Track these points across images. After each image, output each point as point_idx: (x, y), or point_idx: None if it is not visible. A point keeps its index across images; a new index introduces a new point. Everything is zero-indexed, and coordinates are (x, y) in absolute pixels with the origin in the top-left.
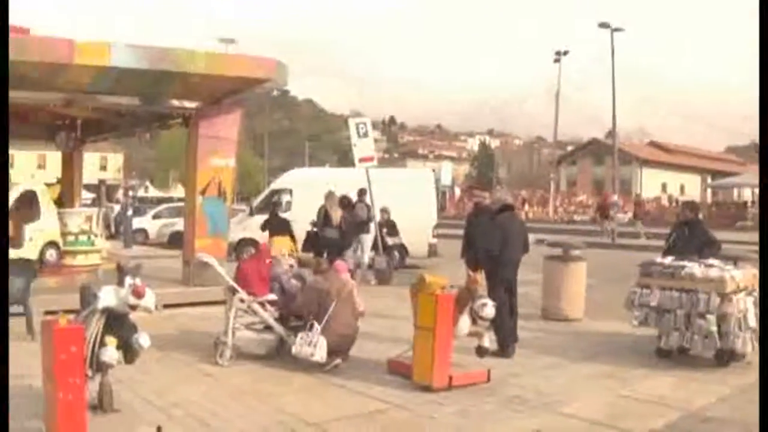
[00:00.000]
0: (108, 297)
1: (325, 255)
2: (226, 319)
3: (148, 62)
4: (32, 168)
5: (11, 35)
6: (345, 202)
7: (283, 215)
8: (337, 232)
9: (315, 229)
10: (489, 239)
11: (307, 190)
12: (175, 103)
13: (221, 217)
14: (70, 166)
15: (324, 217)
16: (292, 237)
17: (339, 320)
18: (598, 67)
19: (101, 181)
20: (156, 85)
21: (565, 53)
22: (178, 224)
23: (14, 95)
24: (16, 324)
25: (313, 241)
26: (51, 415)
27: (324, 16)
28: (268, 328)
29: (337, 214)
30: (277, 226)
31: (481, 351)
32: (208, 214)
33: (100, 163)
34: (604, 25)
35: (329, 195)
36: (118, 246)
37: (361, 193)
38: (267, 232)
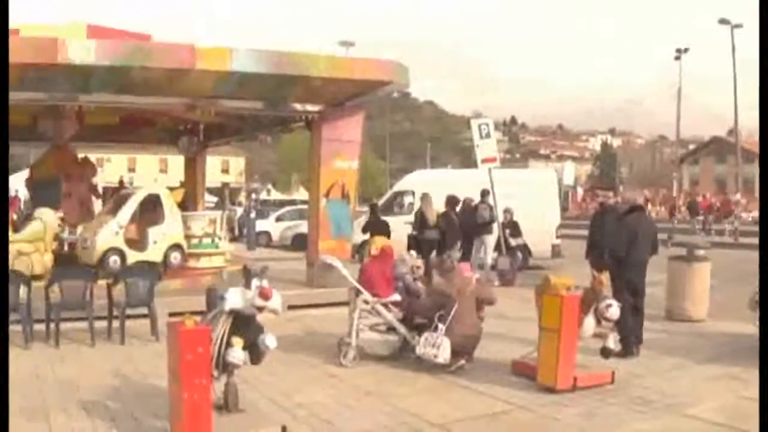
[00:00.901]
0: (235, 299)
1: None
2: (350, 320)
3: (270, 66)
4: (154, 172)
5: (133, 41)
6: (453, 202)
7: (405, 217)
8: (436, 232)
9: (414, 232)
10: (615, 240)
11: (429, 192)
12: (298, 106)
13: (345, 219)
14: (193, 169)
15: (420, 218)
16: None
17: (463, 321)
18: (718, 64)
19: (224, 184)
20: (278, 89)
21: (686, 50)
22: (301, 226)
23: (137, 100)
24: (140, 325)
25: (412, 244)
26: (176, 415)
27: (443, 17)
28: (391, 329)
29: (433, 215)
30: (377, 227)
31: (605, 352)
32: (331, 216)
33: (222, 167)
34: (723, 21)
35: (424, 196)
36: (241, 248)
37: (484, 193)
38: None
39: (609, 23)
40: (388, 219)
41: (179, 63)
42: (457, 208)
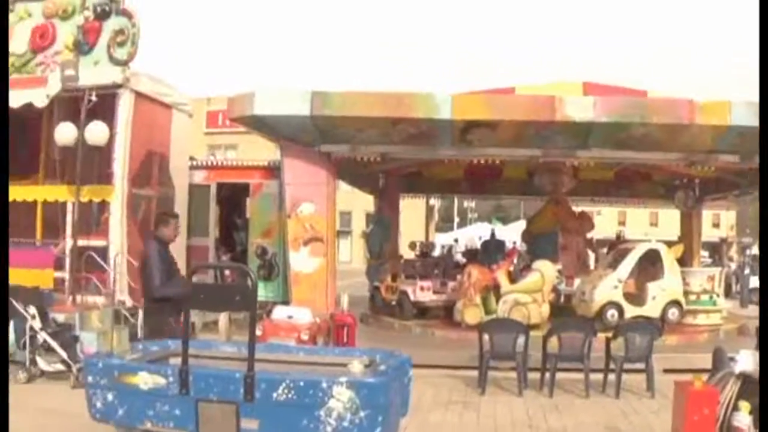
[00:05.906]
0: (746, 361)
1: None
2: None
3: None
4: (645, 226)
5: (631, 97)
6: None
7: None
8: None
9: None
10: None
11: None
12: None
13: None
14: (689, 224)
15: None
16: None
17: None
18: None
19: (722, 240)
20: None
21: None
22: None
23: (635, 156)
24: (634, 380)
25: None
26: None
27: None
28: None
29: None
30: None
31: None
32: None
33: (713, 221)
34: None
35: None
36: (734, 305)
37: None
38: None
39: None
40: None
41: (679, 118)
42: None
